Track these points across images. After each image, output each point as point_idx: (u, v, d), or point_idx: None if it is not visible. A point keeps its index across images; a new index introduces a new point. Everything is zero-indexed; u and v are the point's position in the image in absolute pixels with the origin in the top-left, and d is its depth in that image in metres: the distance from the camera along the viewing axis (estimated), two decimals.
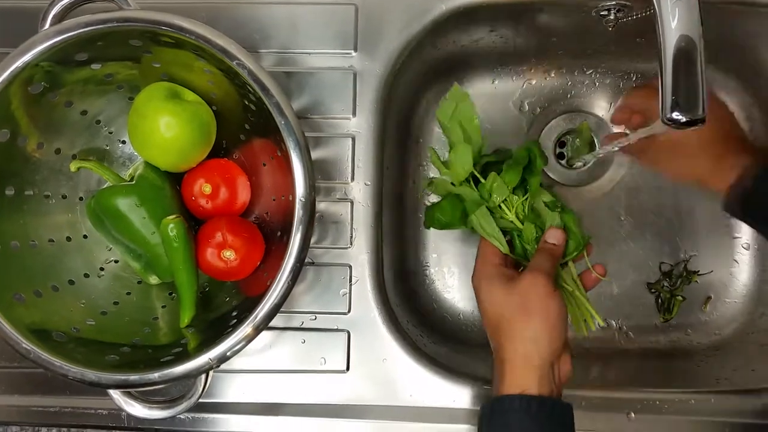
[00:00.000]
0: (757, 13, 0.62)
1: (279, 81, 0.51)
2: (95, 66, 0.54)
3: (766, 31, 0.65)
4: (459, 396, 0.61)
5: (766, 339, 0.70)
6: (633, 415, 0.61)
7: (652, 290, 0.74)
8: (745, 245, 0.74)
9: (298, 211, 0.50)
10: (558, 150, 0.76)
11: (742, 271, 0.74)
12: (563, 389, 0.54)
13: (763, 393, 0.62)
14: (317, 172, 0.61)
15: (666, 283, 0.74)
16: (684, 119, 0.43)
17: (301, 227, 0.50)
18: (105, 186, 0.59)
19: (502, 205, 0.61)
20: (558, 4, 0.64)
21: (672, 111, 0.44)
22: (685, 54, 0.43)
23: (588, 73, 0.75)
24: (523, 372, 0.51)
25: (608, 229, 0.75)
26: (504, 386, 0.51)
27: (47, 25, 0.51)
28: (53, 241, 0.58)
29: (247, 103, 0.55)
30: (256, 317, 0.50)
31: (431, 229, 0.67)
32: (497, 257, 0.59)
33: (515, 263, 0.61)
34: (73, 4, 0.51)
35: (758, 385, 0.62)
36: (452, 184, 0.65)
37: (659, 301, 0.74)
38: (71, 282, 0.57)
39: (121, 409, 0.53)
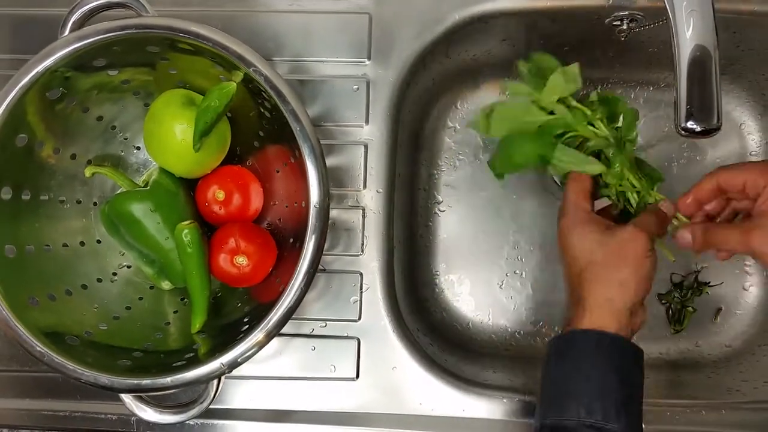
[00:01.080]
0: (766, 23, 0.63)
1: (293, 88, 0.51)
2: (112, 72, 0.55)
3: None
4: (469, 405, 0.61)
5: None
6: (644, 426, 0.60)
7: (663, 301, 0.74)
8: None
9: (312, 218, 0.50)
10: None
11: (753, 283, 0.74)
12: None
13: None
14: (330, 179, 0.61)
15: (677, 295, 0.73)
16: (699, 128, 0.44)
17: (315, 233, 0.50)
18: (119, 191, 0.60)
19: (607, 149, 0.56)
20: (570, 13, 0.64)
21: (687, 120, 0.44)
22: (700, 64, 0.43)
23: (601, 83, 0.75)
24: (603, 312, 0.51)
25: None
26: (580, 324, 0.51)
27: (67, 32, 0.52)
28: (67, 245, 0.58)
29: (261, 110, 0.55)
30: (268, 323, 0.50)
31: (500, 178, 0.61)
32: (588, 202, 0.56)
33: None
34: (93, 10, 0.52)
35: None
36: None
37: (670, 312, 0.74)
38: (84, 286, 0.58)
39: (131, 414, 0.53)
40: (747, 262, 0.74)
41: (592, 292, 0.52)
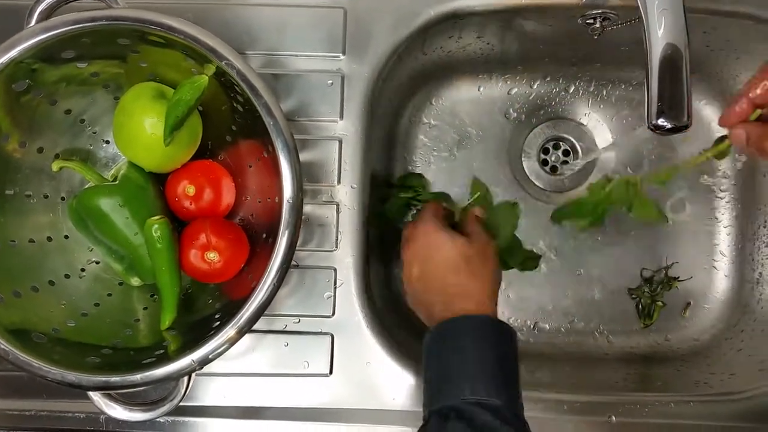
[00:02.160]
0: (738, 23, 0.64)
1: (266, 82, 0.51)
2: (81, 64, 0.53)
3: (746, 40, 0.66)
4: None
5: (743, 344, 0.71)
6: (614, 418, 0.61)
7: (633, 296, 0.75)
8: (723, 253, 0.75)
9: (286, 213, 0.50)
10: (542, 156, 0.76)
11: (721, 278, 0.75)
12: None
13: (741, 397, 0.63)
14: (304, 174, 0.61)
15: (647, 289, 0.75)
16: (669, 125, 0.44)
17: (288, 229, 0.50)
18: (87, 186, 0.58)
19: None
20: (544, 11, 0.64)
21: (658, 117, 0.44)
22: (671, 62, 0.44)
23: (573, 80, 0.76)
24: (486, 301, 0.56)
25: (591, 235, 0.75)
26: (449, 315, 0.55)
27: (33, 22, 0.50)
28: (34, 241, 0.57)
29: (234, 104, 0.55)
30: (240, 320, 0.50)
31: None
32: (441, 219, 0.63)
33: None
34: (60, 1, 0.51)
35: (736, 389, 0.63)
36: None
37: (640, 306, 0.75)
38: (51, 282, 0.56)
39: (99, 413, 0.52)
40: (715, 258, 0.75)
41: (472, 284, 0.57)
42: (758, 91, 0.50)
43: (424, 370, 0.55)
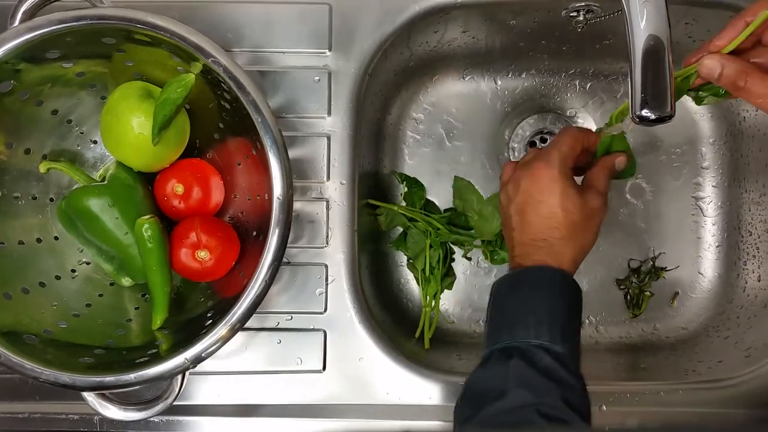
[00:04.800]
0: (718, 14, 0.64)
1: (253, 80, 0.51)
2: (66, 64, 0.53)
3: None
4: (434, 393, 0.62)
5: (729, 332, 0.72)
6: (605, 407, 0.62)
7: (621, 286, 0.76)
8: (710, 242, 0.76)
9: (276, 210, 0.50)
10: (529, 150, 0.77)
11: (707, 267, 0.76)
12: None
13: (729, 384, 0.63)
14: (293, 171, 0.61)
15: (635, 280, 0.75)
16: (653, 116, 0.45)
17: (278, 226, 0.50)
18: (76, 187, 0.58)
19: None
20: (528, 5, 0.65)
21: (641, 109, 0.45)
22: (653, 53, 0.45)
23: (559, 73, 0.76)
24: (562, 259, 0.55)
25: None
26: (534, 261, 0.55)
27: (17, 22, 0.50)
28: (23, 242, 0.57)
29: (221, 102, 0.55)
30: (232, 318, 0.50)
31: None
32: (574, 159, 0.58)
33: None
34: (44, 0, 0.50)
35: (723, 376, 0.64)
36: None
37: (628, 297, 0.76)
38: (42, 284, 0.56)
39: (93, 413, 0.52)
40: (701, 248, 0.76)
41: (561, 245, 0.55)
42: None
43: (489, 310, 0.56)
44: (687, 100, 0.75)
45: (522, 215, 0.57)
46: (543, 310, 0.52)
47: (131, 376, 0.49)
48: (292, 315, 0.62)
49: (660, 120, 0.45)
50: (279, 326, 0.62)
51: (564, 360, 0.50)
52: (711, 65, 0.48)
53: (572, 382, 0.49)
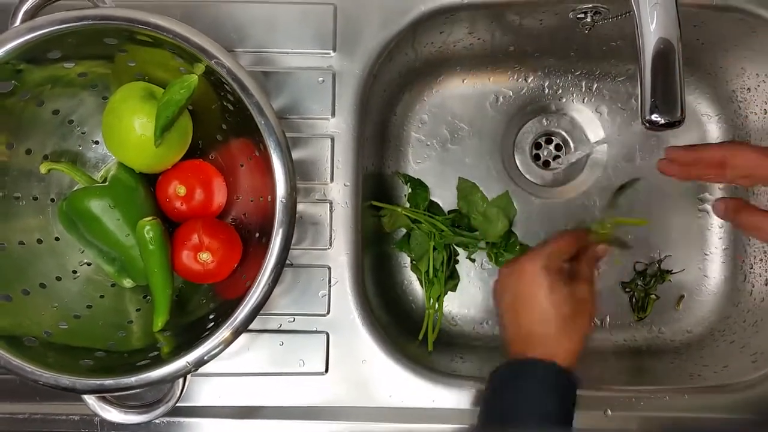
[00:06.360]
0: (728, 17, 0.64)
1: (257, 81, 0.50)
2: (68, 64, 0.53)
3: (736, 34, 0.66)
4: (438, 396, 0.62)
5: (735, 336, 0.71)
6: (610, 412, 0.62)
7: (627, 289, 0.75)
8: (716, 245, 0.75)
9: (279, 212, 0.50)
10: (534, 151, 0.76)
11: (713, 270, 0.75)
12: None
13: (735, 389, 0.63)
14: (296, 172, 0.61)
15: (640, 283, 0.75)
16: (663, 121, 0.44)
17: (282, 228, 0.50)
18: (77, 188, 0.58)
19: None
20: (535, 6, 0.64)
21: (651, 113, 0.44)
22: (663, 56, 0.44)
23: (565, 75, 0.75)
24: (563, 356, 0.55)
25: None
26: (530, 354, 0.55)
27: (18, 22, 0.50)
28: (24, 243, 0.56)
29: (224, 103, 0.54)
30: (235, 320, 0.50)
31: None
32: (567, 255, 0.59)
33: None
34: (45, 0, 0.50)
35: (729, 381, 0.64)
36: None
37: (633, 300, 0.75)
38: (43, 285, 0.56)
39: (94, 415, 0.52)
40: (707, 251, 0.75)
41: (555, 340, 0.55)
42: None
43: (486, 401, 0.57)
44: (693, 102, 0.75)
45: (514, 312, 0.58)
46: (529, 408, 0.53)
47: (132, 380, 0.49)
48: (295, 317, 0.62)
49: (670, 125, 0.44)
50: (281, 328, 0.62)
51: None
52: (718, 205, 0.62)
53: None
